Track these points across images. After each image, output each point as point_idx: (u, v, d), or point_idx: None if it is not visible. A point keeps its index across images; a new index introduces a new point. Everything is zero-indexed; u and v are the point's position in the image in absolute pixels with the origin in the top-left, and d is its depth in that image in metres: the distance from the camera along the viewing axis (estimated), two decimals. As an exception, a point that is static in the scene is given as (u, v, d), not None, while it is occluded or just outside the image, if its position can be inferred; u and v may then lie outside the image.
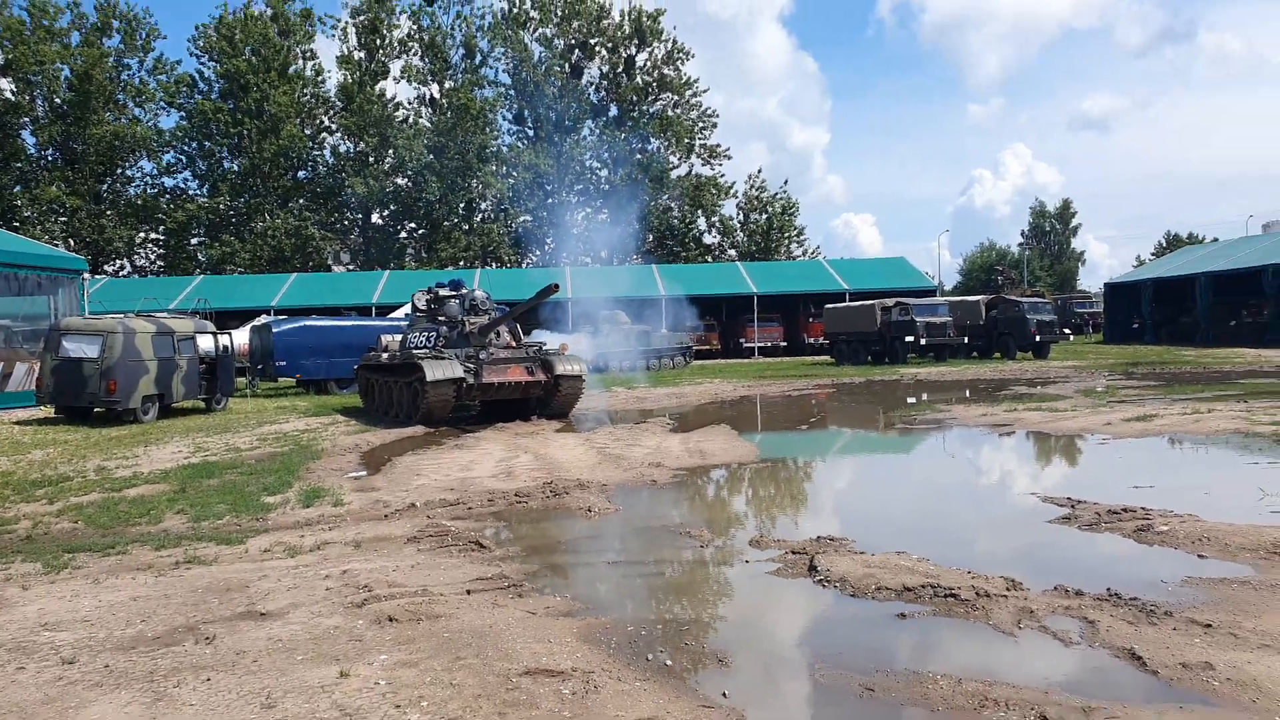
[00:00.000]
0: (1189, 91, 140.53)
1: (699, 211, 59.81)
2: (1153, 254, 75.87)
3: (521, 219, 57.25)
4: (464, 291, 17.69)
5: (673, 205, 59.51)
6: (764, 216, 60.33)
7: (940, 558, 6.06)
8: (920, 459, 11.94)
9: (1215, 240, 56.73)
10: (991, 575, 5.54)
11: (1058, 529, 6.96)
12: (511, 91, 59.24)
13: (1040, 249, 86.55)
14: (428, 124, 56.35)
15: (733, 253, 60.26)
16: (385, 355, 17.40)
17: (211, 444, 13.64)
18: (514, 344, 16.85)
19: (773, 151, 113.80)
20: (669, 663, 4.42)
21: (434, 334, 16.52)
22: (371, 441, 13.97)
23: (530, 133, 59.49)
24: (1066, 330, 40.29)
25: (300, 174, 56.72)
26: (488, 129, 55.67)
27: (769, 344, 42.29)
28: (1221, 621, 4.59)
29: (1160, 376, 22.26)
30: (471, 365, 15.27)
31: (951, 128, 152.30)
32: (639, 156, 58.12)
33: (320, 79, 56.62)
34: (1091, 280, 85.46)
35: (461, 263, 52.86)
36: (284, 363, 24.49)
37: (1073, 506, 7.52)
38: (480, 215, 57.83)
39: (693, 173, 60.30)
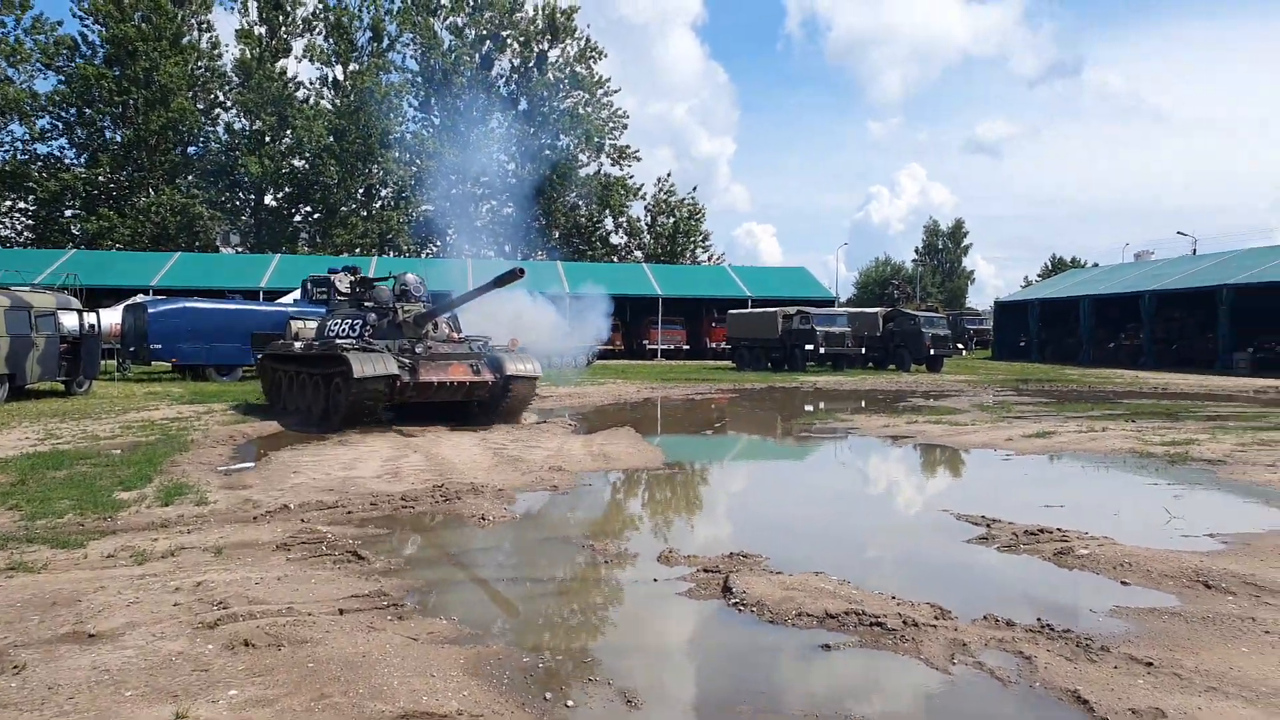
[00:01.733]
0: (1075, 123, 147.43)
1: (606, 211, 59.34)
2: (1039, 275, 78.91)
3: (423, 208, 55.66)
4: (394, 275, 15.61)
5: (580, 203, 58.88)
6: (671, 220, 60.24)
7: (860, 579, 5.68)
8: (828, 470, 11.68)
9: (1096, 265, 59.32)
10: (917, 601, 5.17)
11: (976, 550, 6.68)
12: (419, 79, 57.59)
13: (933, 266, 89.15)
14: (329, 106, 54.25)
15: (639, 254, 59.99)
16: (299, 344, 15.02)
17: (65, 430, 12.42)
18: (455, 337, 14.57)
19: (680, 158, 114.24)
20: (570, 704, 3.86)
21: (360, 322, 14.23)
22: (248, 434, 12.97)
23: (436, 121, 57.96)
24: (959, 345, 41.34)
25: (190, 149, 53.81)
26: (392, 114, 53.94)
27: (672, 346, 42.09)
28: (1161, 659, 4.30)
29: (1049, 393, 22.82)
30: (407, 360, 13.12)
31: (852, 144, 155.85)
32: (548, 152, 57.29)
33: (216, 52, 53.86)
34: (979, 298, 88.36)
35: (358, 249, 51.03)
36: (159, 346, 22.86)
37: (988, 526, 7.27)
38: (380, 202, 55.98)
39: (601, 172, 59.80)
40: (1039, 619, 4.89)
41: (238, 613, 4.86)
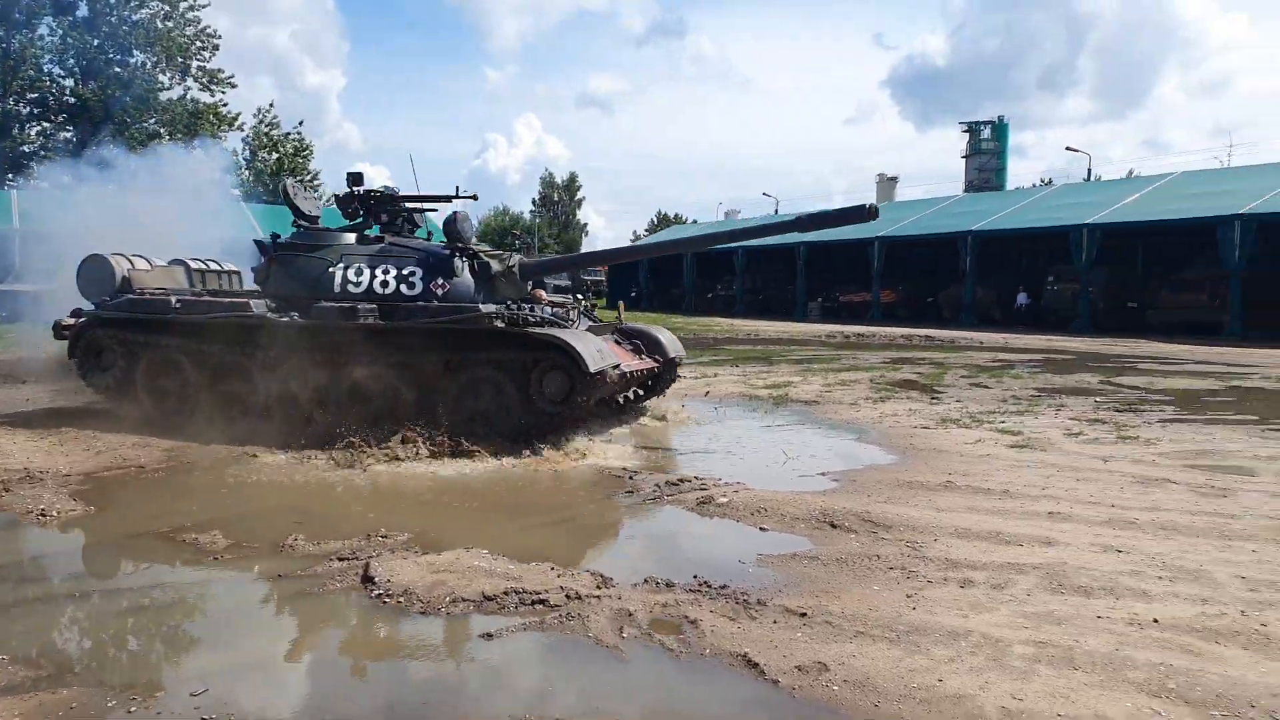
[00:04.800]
0: (676, 84, 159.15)
1: (196, 142, 52.97)
2: (646, 229, 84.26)
3: (-48, 127, 45.72)
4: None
5: (162, 131, 51.91)
6: (274, 157, 55.43)
7: (513, 550, 5.30)
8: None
9: (696, 221, 64.57)
10: (577, 570, 4.90)
11: (623, 503, 6.61)
12: (-61, -35, 46.77)
13: (549, 217, 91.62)
14: None
15: (237, 192, 54.50)
16: (363, 310, 8.53)
17: None
18: (547, 300, 9.92)
19: (283, 89, 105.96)
20: (178, 758, 3.04)
21: (418, 269, 8.98)
22: None
23: (-33, 22, 47.59)
24: (578, 295, 42.77)
25: None
26: (-99, 7, 43.41)
27: (280, 296, 38.85)
28: (811, 607, 4.41)
29: (661, 341, 24.27)
30: None
31: (469, 90, 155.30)
32: (118, 70, 49.63)
33: None
34: (592, 249, 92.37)
35: None
36: None
37: (630, 477, 7.27)
38: (-110, 117, 45.09)
39: (188, 97, 53.11)
40: (695, 576, 4.84)
41: None
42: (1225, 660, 3.74)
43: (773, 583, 4.85)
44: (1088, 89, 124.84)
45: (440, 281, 8.93)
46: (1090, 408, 11.37)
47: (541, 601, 4.47)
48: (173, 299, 9.36)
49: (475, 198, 9.93)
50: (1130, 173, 50.21)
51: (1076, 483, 7.10)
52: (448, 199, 9.99)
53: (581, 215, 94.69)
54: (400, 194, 10.03)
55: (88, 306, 10.07)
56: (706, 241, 13.19)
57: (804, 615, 4.32)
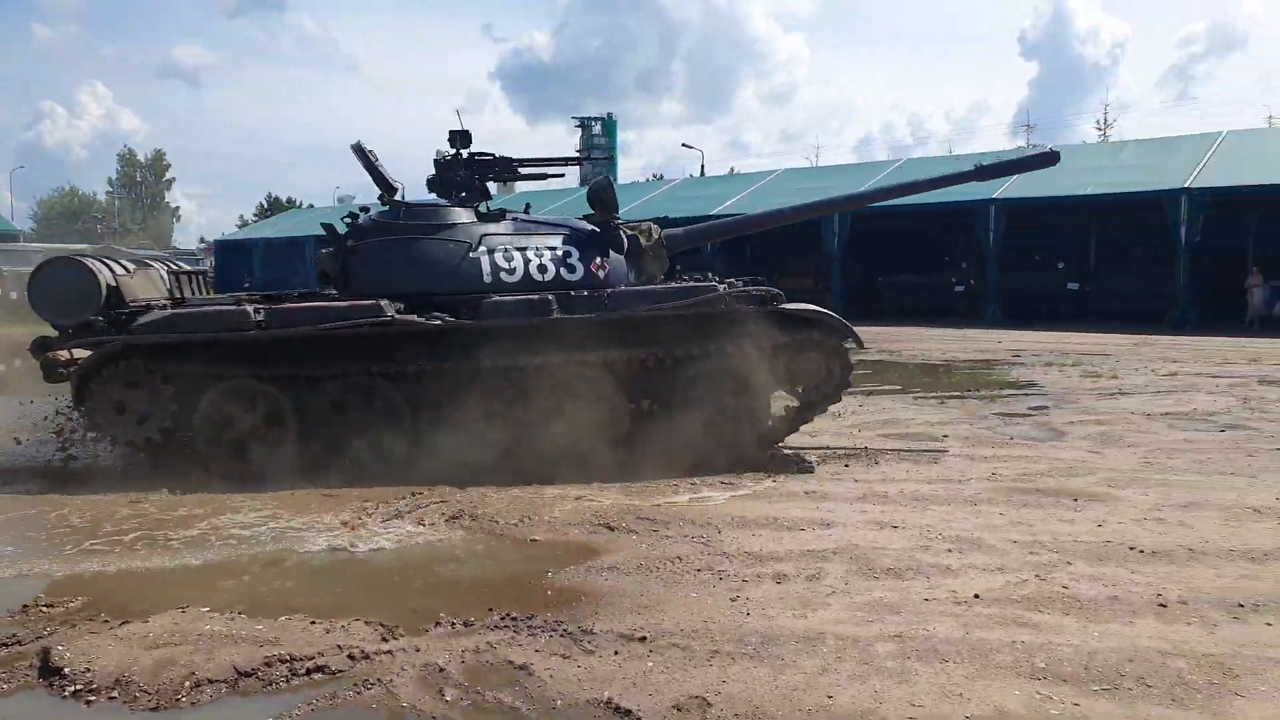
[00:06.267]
0: (277, 62, 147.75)
1: None
2: (255, 215, 77.06)
3: None
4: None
5: None
6: None
7: (244, 602, 4.15)
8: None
9: (313, 206, 60.58)
10: (345, 621, 3.91)
11: (360, 524, 5.56)
12: None
13: (132, 200, 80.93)
14: None
15: None
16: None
17: None
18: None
19: None
20: None
21: (573, 250, 7.39)
22: None
23: None
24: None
25: None
26: None
27: None
28: (648, 629, 3.86)
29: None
30: None
31: (11, 50, 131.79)
32: None
33: None
34: (184, 237, 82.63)
35: None
36: None
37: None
38: None
39: None
40: (491, 609, 4.09)
41: None
42: (1063, 630, 3.79)
43: (584, 604, 4.23)
44: (680, 93, 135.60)
45: (599, 261, 7.49)
46: (764, 386, 11.97)
47: (320, 669, 3.47)
48: (249, 309, 6.70)
49: (610, 158, 8.26)
50: (731, 170, 55.16)
51: (803, 459, 7.26)
52: (576, 161, 8.57)
53: (171, 198, 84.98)
54: (516, 158, 8.09)
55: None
56: (870, 198, 12.17)
57: (644, 639, 3.76)
